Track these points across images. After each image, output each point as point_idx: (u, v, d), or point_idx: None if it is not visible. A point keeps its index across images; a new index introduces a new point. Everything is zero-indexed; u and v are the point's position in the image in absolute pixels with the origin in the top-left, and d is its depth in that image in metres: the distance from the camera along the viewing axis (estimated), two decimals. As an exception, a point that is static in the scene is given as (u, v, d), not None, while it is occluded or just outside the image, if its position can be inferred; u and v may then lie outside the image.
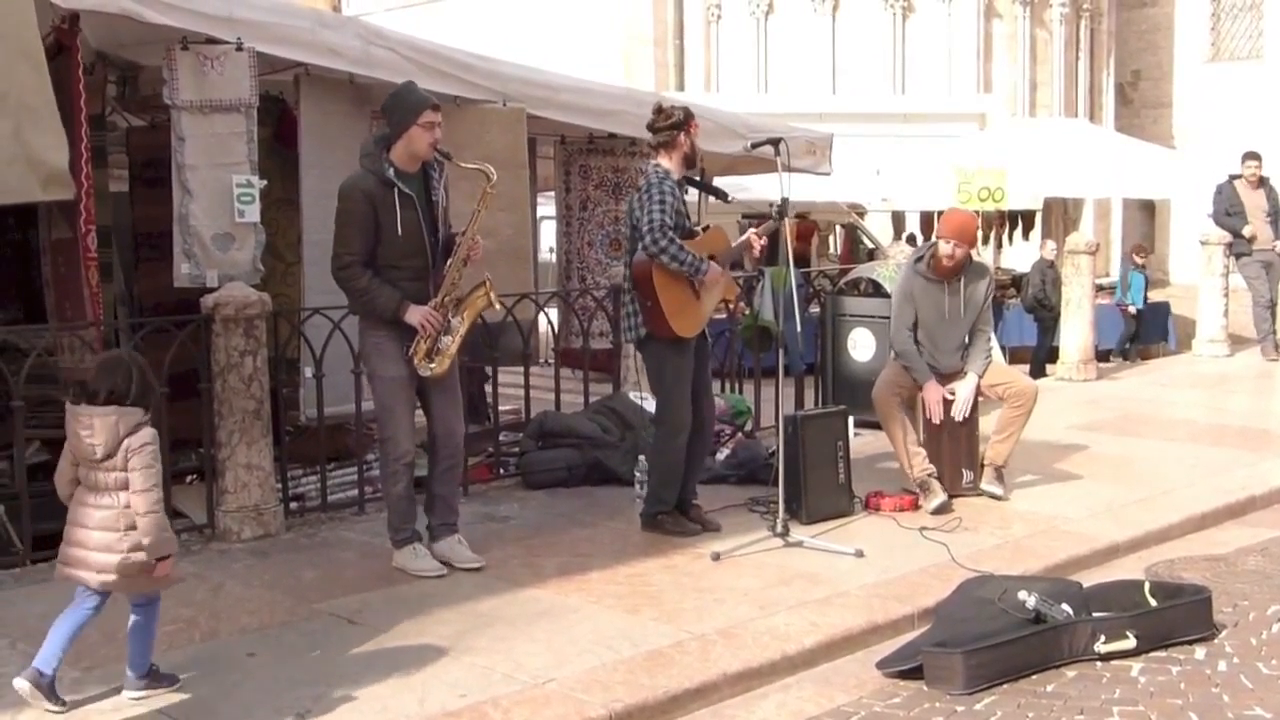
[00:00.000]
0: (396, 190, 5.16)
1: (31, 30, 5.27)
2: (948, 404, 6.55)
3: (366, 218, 5.15)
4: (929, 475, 6.45)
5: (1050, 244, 14.33)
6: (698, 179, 6.26)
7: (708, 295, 5.92)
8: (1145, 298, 14.37)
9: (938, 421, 6.55)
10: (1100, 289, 13.09)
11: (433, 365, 5.26)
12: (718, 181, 7.14)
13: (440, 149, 5.31)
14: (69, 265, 6.12)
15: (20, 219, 6.90)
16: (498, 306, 5.66)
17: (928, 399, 6.55)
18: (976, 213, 9.75)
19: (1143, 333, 14.34)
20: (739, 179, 9.70)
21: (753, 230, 6.15)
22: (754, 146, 6.33)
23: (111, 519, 3.86)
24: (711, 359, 6.32)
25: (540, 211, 9.96)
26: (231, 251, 6.18)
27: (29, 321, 6.67)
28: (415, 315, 5.20)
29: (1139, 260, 14.64)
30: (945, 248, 6.53)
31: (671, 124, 5.90)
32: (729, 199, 6.48)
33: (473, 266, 5.42)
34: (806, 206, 14.52)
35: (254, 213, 6.20)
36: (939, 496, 6.37)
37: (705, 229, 6.17)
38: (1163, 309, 14.74)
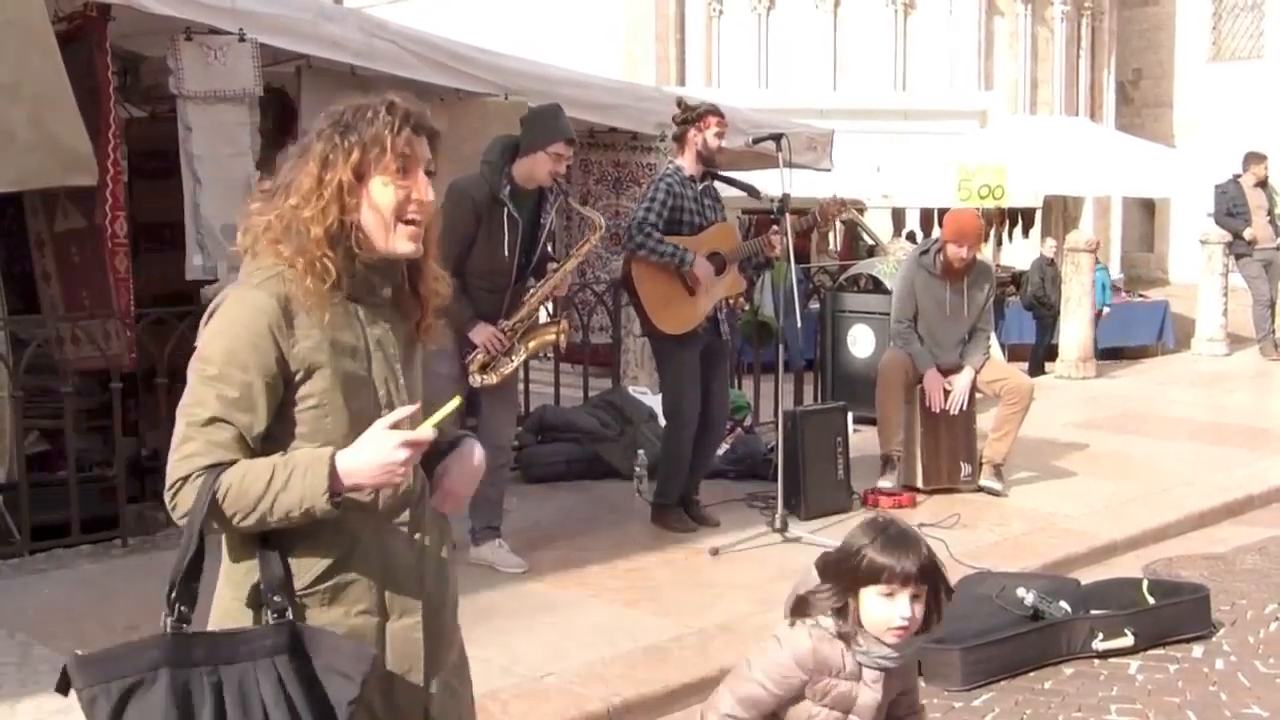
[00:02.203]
0: (505, 212, 5.14)
1: (41, 19, 5.26)
2: (946, 395, 6.58)
3: (468, 228, 5.14)
4: (896, 456, 6.56)
5: (1050, 242, 14.29)
6: (722, 175, 6.15)
7: (706, 292, 5.86)
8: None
9: (937, 410, 6.56)
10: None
11: (483, 378, 5.27)
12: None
13: (560, 183, 5.29)
14: (85, 254, 6.08)
15: (19, 209, 6.87)
16: (564, 346, 5.71)
17: (928, 385, 6.57)
18: (977, 210, 9.73)
19: (1099, 335, 14.04)
20: (740, 175, 9.66)
21: (774, 230, 6.04)
22: (755, 142, 6.32)
23: None
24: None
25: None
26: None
27: (28, 313, 6.64)
28: (480, 335, 5.21)
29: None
30: (958, 251, 6.52)
31: (682, 120, 5.88)
32: (759, 195, 6.42)
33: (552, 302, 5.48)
34: (806, 203, 14.50)
35: None
36: (893, 479, 6.51)
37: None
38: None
